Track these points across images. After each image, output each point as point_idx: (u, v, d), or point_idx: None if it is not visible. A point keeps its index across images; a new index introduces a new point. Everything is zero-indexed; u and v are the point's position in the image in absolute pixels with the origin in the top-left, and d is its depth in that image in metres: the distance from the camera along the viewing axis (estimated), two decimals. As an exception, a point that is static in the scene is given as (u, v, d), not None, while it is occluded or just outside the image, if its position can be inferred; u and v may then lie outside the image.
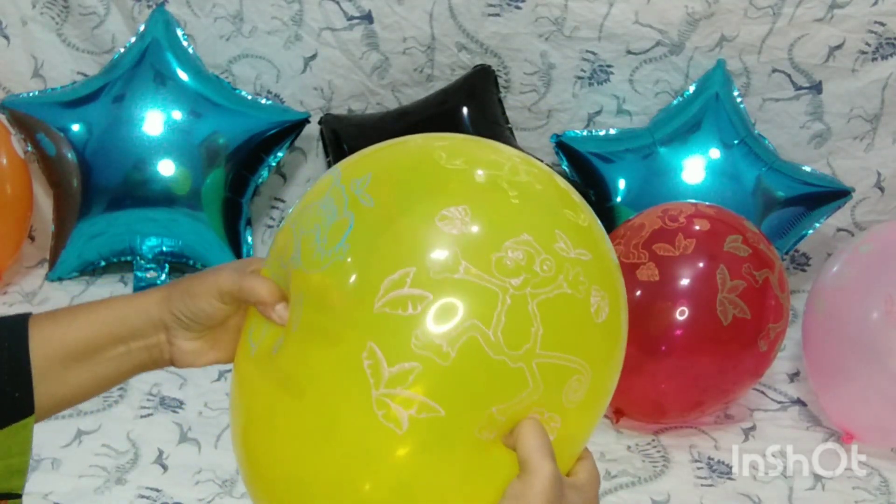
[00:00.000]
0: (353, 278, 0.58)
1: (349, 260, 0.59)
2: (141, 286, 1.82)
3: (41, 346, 0.65)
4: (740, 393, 1.50)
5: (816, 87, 1.88)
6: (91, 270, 1.89)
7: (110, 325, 0.66)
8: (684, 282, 1.41)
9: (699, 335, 1.40)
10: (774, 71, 1.88)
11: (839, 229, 1.97)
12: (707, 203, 1.55)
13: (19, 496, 0.67)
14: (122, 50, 1.88)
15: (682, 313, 1.40)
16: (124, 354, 0.67)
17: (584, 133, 1.91)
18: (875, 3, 1.81)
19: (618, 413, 1.51)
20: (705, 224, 1.45)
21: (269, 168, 1.91)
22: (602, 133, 1.90)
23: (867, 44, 1.84)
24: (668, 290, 1.41)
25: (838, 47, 1.85)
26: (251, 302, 0.65)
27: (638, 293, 1.42)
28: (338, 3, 1.90)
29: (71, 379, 0.66)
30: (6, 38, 1.92)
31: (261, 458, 0.63)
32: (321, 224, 0.61)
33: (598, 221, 0.66)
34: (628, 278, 1.41)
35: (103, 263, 1.88)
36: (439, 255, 0.57)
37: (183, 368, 0.71)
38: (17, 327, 0.65)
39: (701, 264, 1.41)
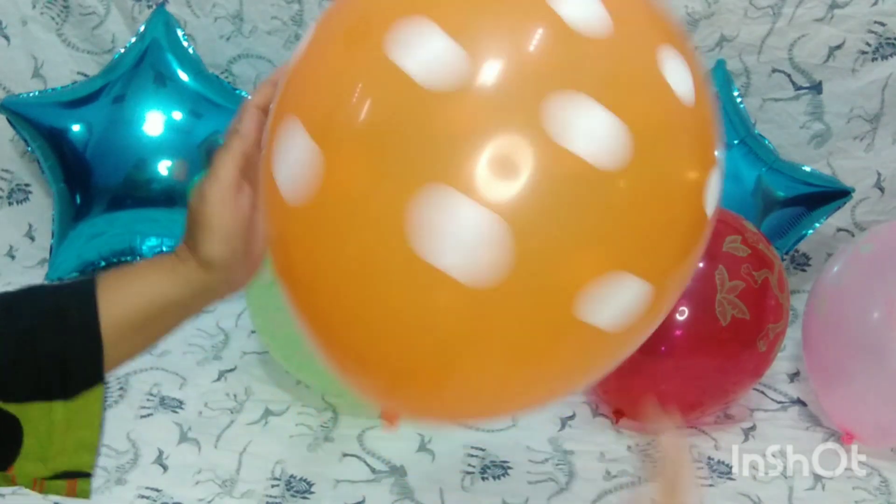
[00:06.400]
0: None
1: None
2: (141, 286, 1.82)
3: (108, 315, 0.63)
4: (740, 393, 1.50)
5: (816, 87, 1.88)
6: (91, 270, 1.89)
7: (168, 293, 0.65)
8: (683, 282, 1.41)
9: (698, 336, 1.40)
10: (774, 71, 1.88)
11: (839, 229, 1.96)
12: None
13: (89, 475, 0.65)
14: (123, 50, 1.88)
15: (681, 314, 1.40)
16: (183, 311, 0.67)
17: (585, 133, 1.90)
18: (875, 3, 1.81)
19: (617, 413, 1.51)
20: (704, 224, 1.45)
21: (269, 168, 1.91)
22: (602, 133, 1.90)
23: (867, 44, 1.84)
24: (668, 291, 1.41)
25: (838, 47, 1.85)
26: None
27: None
28: (338, 3, 1.90)
29: (133, 344, 0.66)
30: (6, 38, 1.92)
31: None
32: None
33: None
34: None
35: (103, 263, 1.88)
36: None
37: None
38: (85, 294, 0.64)
39: (699, 265, 1.41)
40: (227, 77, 1.96)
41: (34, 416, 0.62)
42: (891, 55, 1.84)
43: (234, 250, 0.64)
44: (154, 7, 1.90)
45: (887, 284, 1.41)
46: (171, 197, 1.81)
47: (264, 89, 0.67)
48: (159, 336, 0.67)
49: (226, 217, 0.63)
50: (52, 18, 1.92)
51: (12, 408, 0.62)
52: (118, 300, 0.64)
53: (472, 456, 1.45)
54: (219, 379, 1.60)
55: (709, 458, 1.47)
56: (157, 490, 1.34)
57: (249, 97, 0.67)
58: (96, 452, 0.65)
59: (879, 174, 1.93)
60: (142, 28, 1.88)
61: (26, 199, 1.99)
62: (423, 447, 1.46)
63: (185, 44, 1.88)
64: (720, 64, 1.86)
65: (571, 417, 1.55)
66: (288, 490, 1.36)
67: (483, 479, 1.40)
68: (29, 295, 0.65)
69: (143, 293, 0.65)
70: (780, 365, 1.70)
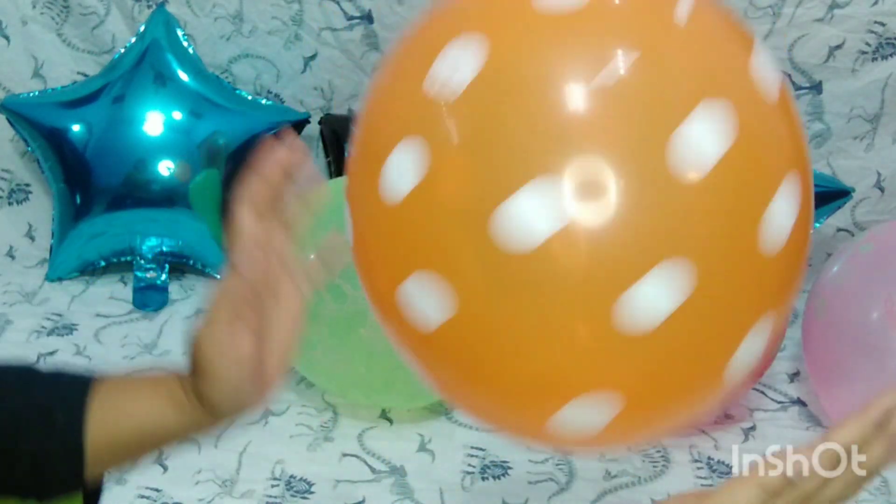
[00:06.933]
0: None
1: None
2: (140, 286, 1.82)
3: (95, 429, 0.60)
4: (740, 393, 1.50)
5: (816, 87, 1.88)
6: (91, 270, 1.89)
7: (163, 421, 0.61)
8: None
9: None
10: (774, 71, 1.88)
11: (839, 229, 1.96)
12: None
13: None
14: (123, 50, 1.88)
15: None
16: (179, 437, 0.63)
17: (585, 133, 1.90)
18: (875, 3, 1.81)
19: (618, 413, 1.51)
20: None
21: (269, 168, 1.91)
22: (602, 133, 1.90)
23: (867, 44, 1.84)
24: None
25: (838, 47, 1.85)
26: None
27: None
28: (338, 3, 1.90)
29: (118, 459, 0.63)
30: (6, 38, 1.92)
31: None
32: None
33: None
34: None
35: (103, 263, 1.88)
36: None
37: None
38: (76, 399, 0.60)
39: None
40: (227, 77, 1.96)
41: None
42: (891, 55, 1.84)
43: (237, 393, 0.59)
44: (154, 7, 1.90)
45: (887, 284, 1.41)
46: (171, 197, 1.81)
47: (259, 187, 0.63)
48: (149, 454, 0.64)
49: (224, 364, 0.58)
50: (52, 18, 1.92)
51: None
52: (109, 416, 0.60)
53: (472, 456, 1.45)
54: (219, 379, 1.60)
55: (709, 458, 1.47)
56: (157, 490, 1.34)
57: (241, 196, 0.62)
58: None
59: (879, 174, 1.93)
60: (142, 28, 1.88)
61: (26, 199, 1.99)
62: (423, 447, 1.46)
63: (185, 44, 1.88)
64: (720, 64, 1.86)
65: (571, 417, 1.55)
66: (288, 490, 1.36)
67: (483, 479, 1.40)
68: (22, 378, 0.62)
69: (138, 415, 0.61)
70: (780, 365, 1.70)
